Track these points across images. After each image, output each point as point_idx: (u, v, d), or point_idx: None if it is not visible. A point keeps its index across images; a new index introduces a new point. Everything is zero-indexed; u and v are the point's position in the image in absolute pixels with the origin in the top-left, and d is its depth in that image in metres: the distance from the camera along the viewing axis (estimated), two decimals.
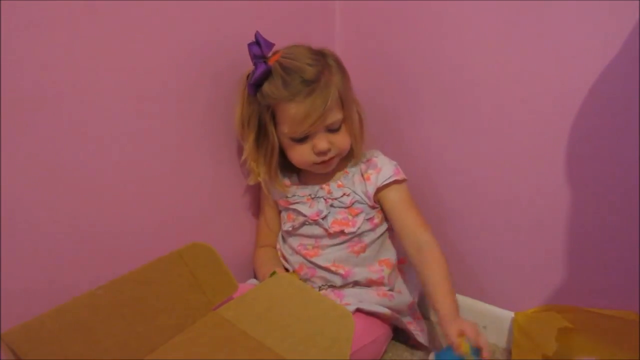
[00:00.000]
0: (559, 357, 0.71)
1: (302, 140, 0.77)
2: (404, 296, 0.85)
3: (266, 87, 0.75)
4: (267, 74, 0.74)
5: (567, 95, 0.73)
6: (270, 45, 0.75)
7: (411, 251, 0.79)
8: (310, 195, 0.83)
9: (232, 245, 0.88)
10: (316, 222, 0.82)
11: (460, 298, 0.92)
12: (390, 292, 0.83)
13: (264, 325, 0.62)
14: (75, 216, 0.63)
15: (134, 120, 0.69)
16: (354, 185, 0.83)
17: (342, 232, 0.81)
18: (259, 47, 0.73)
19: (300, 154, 0.79)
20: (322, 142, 0.77)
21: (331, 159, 0.79)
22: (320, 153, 0.77)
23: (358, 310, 0.76)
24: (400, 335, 0.87)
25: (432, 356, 0.62)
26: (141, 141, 0.70)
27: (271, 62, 0.74)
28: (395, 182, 0.81)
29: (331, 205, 0.82)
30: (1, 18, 0.52)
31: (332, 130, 0.78)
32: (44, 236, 0.61)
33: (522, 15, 0.73)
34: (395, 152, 0.88)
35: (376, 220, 0.83)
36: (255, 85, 0.75)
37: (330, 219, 0.81)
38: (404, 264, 0.90)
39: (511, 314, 0.84)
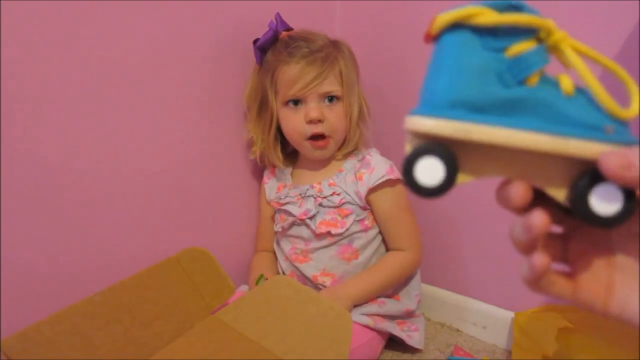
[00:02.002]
0: (559, 357, 0.71)
1: (295, 104, 0.77)
2: (398, 303, 0.83)
3: (269, 53, 0.78)
4: (274, 41, 0.77)
5: None
6: (287, 25, 0.79)
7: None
8: (300, 194, 0.82)
9: (229, 250, 0.88)
10: (304, 222, 0.81)
11: (461, 298, 0.92)
12: (381, 299, 0.82)
13: (262, 327, 0.62)
14: (74, 219, 0.64)
15: (133, 122, 0.69)
16: (346, 184, 0.80)
17: (329, 233, 0.79)
18: (275, 23, 0.78)
19: (293, 124, 0.78)
20: (314, 110, 0.76)
21: (325, 139, 0.78)
22: (312, 122, 0.76)
23: None
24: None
25: None
26: (140, 144, 0.70)
27: (281, 35, 0.78)
28: (388, 182, 0.79)
29: (320, 205, 0.80)
30: (1, 18, 0.53)
31: (328, 102, 0.78)
32: (43, 238, 0.61)
33: None
34: (395, 151, 0.88)
35: (367, 222, 0.81)
36: (261, 50, 0.78)
37: (318, 219, 0.80)
38: None
39: (511, 314, 0.84)
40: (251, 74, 0.82)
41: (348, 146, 0.82)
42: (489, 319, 0.88)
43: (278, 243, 0.88)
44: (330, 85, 0.76)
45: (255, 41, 0.78)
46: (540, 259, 0.28)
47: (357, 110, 0.80)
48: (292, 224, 0.83)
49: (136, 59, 0.67)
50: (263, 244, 0.91)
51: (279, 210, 0.85)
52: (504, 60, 0.27)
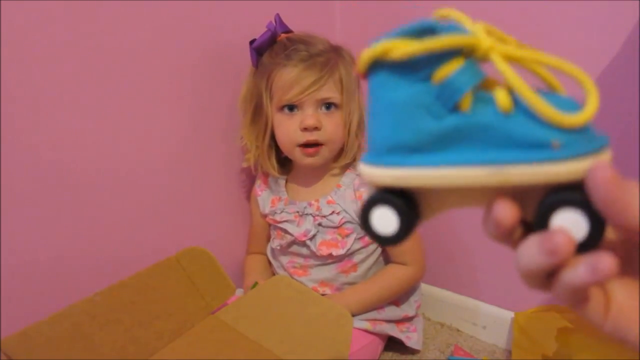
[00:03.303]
0: (559, 357, 0.71)
1: (291, 110, 0.73)
2: (397, 309, 0.82)
3: (266, 55, 0.74)
4: (271, 42, 0.74)
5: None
6: (286, 27, 0.75)
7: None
8: (298, 212, 0.78)
9: (227, 251, 0.88)
10: (304, 243, 0.78)
11: (461, 298, 0.92)
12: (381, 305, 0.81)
13: (262, 327, 0.62)
14: (74, 219, 0.64)
15: (131, 122, 0.69)
16: (345, 202, 0.76)
17: (330, 255, 0.77)
18: (274, 24, 0.74)
19: (287, 130, 0.73)
20: (310, 117, 0.71)
21: (318, 147, 0.74)
22: (306, 130, 0.72)
23: None
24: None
25: None
26: (139, 144, 0.70)
27: (279, 37, 0.74)
28: None
29: (319, 224, 0.76)
30: (1, 17, 0.53)
31: (326, 110, 0.73)
32: (43, 238, 0.61)
33: (522, 16, 0.73)
34: None
35: (367, 239, 0.78)
36: (257, 52, 0.74)
37: (318, 240, 0.77)
38: None
39: (511, 314, 0.84)
40: (247, 76, 0.78)
41: (346, 158, 0.78)
42: (489, 319, 0.89)
43: (275, 256, 0.86)
44: (329, 92, 0.72)
45: (251, 42, 0.75)
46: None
47: (357, 120, 0.75)
48: (291, 244, 0.80)
49: (134, 60, 0.67)
50: (255, 247, 0.90)
51: (275, 227, 0.82)
52: (433, 88, 0.24)
